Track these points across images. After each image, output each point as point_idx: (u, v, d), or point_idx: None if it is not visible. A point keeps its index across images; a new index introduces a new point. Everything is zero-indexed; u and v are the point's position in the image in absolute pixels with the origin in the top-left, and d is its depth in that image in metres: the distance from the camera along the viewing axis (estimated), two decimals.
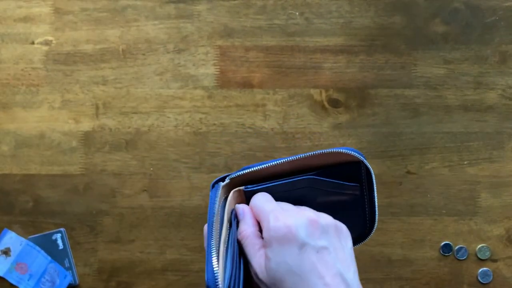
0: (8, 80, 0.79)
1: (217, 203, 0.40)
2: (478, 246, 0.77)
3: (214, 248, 0.36)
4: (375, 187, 0.45)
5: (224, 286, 0.36)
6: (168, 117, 0.78)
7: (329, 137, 0.77)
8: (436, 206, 0.77)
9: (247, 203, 0.44)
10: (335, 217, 0.45)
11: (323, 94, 0.78)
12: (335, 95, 0.78)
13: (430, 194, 0.77)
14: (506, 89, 0.77)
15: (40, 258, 0.76)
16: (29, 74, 0.79)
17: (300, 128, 0.78)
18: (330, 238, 0.39)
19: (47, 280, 0.76)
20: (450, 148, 0.77)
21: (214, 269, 0.35)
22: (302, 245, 0.37)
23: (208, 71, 0.78)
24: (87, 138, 0.78)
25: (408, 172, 0.77)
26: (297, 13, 0.78)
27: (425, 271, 0.77)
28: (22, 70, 0.79)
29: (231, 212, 0.43)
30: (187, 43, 0.78)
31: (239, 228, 0.42)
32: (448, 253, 0.77)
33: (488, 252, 0.76)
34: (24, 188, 0.78)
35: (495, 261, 0.77)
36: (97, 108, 0.78)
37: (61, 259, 0.77)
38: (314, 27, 0.78)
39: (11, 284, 0.76)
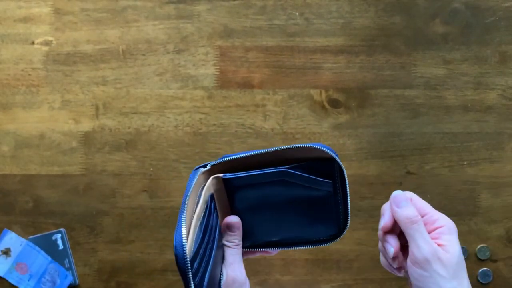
0: (8, 81, 0.79)
1: (194, 184, 0.43)
2: (478, 247, 0.77)
3: (184, 220, 0.39)
4: (347, 186, 0.47)
5: (191, 252, 0.39)
6: (168, 118, 0.78)
7: (329, 138, 0.77)
8: (436, 206, 0.77)
9: (226, 189, 0.48)
10: (309, 212, 0.48)
11: (323, 95, 0.78)
12: (335, 96, 0.78)
13: (430, 194, 0.77)
14: (506, 89, 0.77)
15: (40, 258, 0.76)
16: (29, 75, 0.79)
17: (300, 128, 0.78)
18: None
19: (47, 280, 0.76)
20: (450, 148, 0.77)
21: (183, 235, 0.38)
22: None
23: (208, 71, 0.78)
24: (87, 139, 0.78)
25: (408, 173, 0.77)
26: (297, 14, 0.78)
27: None
28: (22, 70, 0.79)
29: (209, 195, 0.45)
30: (187, 43, 0.78)
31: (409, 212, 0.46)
32: None
33: (488, 252, 0.77)
34: (24, 188, 0.78)
35: (495, 261, 0.77)
36: (97, 108, 0.78)
37: (61, 259, 0.77)
38: (314, 28, 0.78)
39: (11, 284, 0.76)
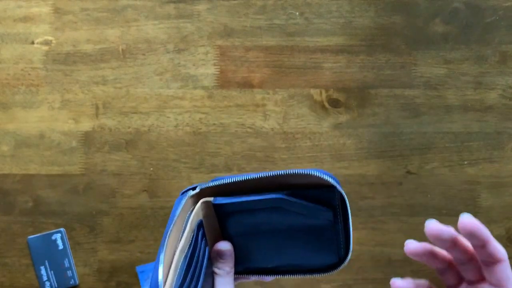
0: (8, 80, 0.79)
1: (179, 210, 0.40)
2: None
3: (162, 258, 0.36)
4: (349, 215, 0.44)
5: None
6: (168, 117, 0.78)
7: (329, 137, 0.77)
8: (436, 206, 0.77)
9: (216, 214, 0.44)
10: (307, 241, 0.44)
11: (323, 94, 0.78)
12: (335, 95, 0.78)
13: (430, 194, 0.77)
14: (506, 89, 0.77)
15: None
16: (29, 74, 0.79)
17: (300, 128, 0.77)
18: None
19: None
20: (450, 148, 0.77)
21: (159, 278, 0.35)
22: None
23: (208, 71, 0.78)
24: (87, 138, 0.78)
25: (408, 172, 0.77)
26: (297, 13, 0.78)
27: (425, 271, 0.77)
28: (22, 70, 0.79)
29: (197, 223, 0.42)
30: (187, 43, 0.78)
31: None
32: None
33: None
34: (24, 188, 0.78)
35: None
36: (97, 108, 0.78)
37: (61, 259, 0.77)
38: (314, 27, 0.78)
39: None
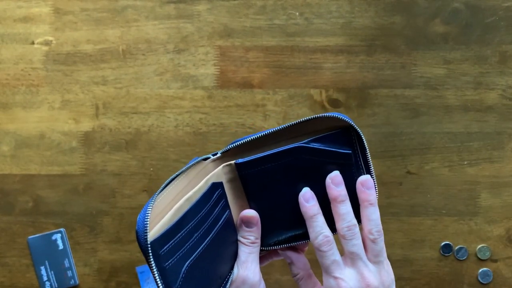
0: (8, 80, 0.79)
1: (190, 164, 0.41)
2: (478, 246, 0.77)
3: (153, 200, 0.36)
4: (367, 151, 0.45)
5: (162, 231, 0.35)
6: (168, 117, 0.78)
7: None
8: (436, 206, 0.77)
9: (240, 177, 0.44)
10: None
11: (323, 94, 0.78)
12: (335, 95, 0.78)
13: (430, 194, 0.77)
14: (506, 89, 0.77)
15: None
16: (29, 74, 0.79)
17: None
18: None
19: None
20: (450, 148, 0.77)
21: (147, 211, 0.35)
22: None
23: (208, 71, 0.78)
24: (87, 138, 0.78)
25: (408, 172, 0.77)
26: (297, 13, 0.78)
27: (425, 271, 0.77)
28: (22, 70, 0.79)
29: (213, 182, 0.43)
30: (187, 43, 0.78)
31: (294, 267, 0.47)
32: (448, 253, 0.77)
33: (488, 252, 0.76)
34: (24, 188, 0.78)
35: (495, 261, 0.77)
36: (97, 108, 0.78)
37: (61, 259, 0.77)
38: (314, 27, 0.78)
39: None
